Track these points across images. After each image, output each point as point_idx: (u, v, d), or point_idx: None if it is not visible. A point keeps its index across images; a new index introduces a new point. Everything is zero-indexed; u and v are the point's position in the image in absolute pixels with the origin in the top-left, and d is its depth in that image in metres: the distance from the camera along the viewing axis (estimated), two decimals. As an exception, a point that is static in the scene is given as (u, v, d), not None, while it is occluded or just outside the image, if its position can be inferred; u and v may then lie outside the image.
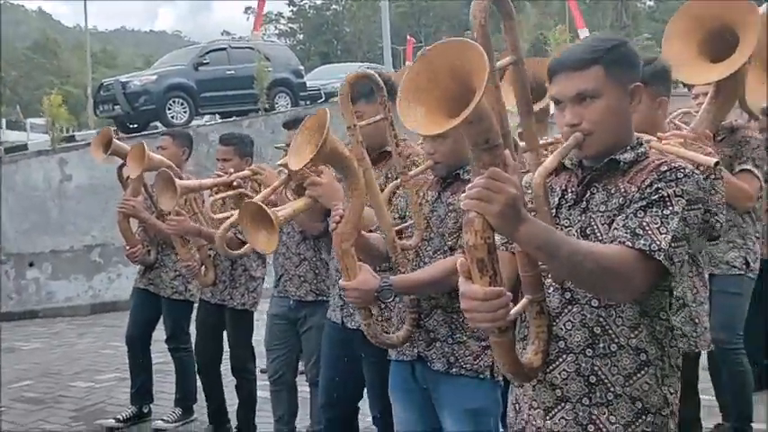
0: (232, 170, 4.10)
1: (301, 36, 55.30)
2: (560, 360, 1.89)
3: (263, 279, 4.74)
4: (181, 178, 4.11)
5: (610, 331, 1.85)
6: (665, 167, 1.83)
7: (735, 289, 3.83)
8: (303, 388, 4.33)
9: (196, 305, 5.00)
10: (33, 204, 11.78)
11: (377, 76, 2.63)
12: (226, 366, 4.88)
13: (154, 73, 15.50)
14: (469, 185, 1.56)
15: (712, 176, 2.77)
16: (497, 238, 1.85)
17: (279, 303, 4.14)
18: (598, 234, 1.86)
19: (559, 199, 1.97)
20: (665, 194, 1.77)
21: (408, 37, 23.95)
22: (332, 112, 2.38)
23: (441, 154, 2.53)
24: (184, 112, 14.74)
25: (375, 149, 3.09)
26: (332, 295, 3.47)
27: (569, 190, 1.96)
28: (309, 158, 2.23)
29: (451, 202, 2.54)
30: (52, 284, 11.69)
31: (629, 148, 1.90)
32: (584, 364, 1.86)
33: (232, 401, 4.87)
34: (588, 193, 1.91)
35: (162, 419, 5.16)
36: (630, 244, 1.73)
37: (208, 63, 15.54)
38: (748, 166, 3.64)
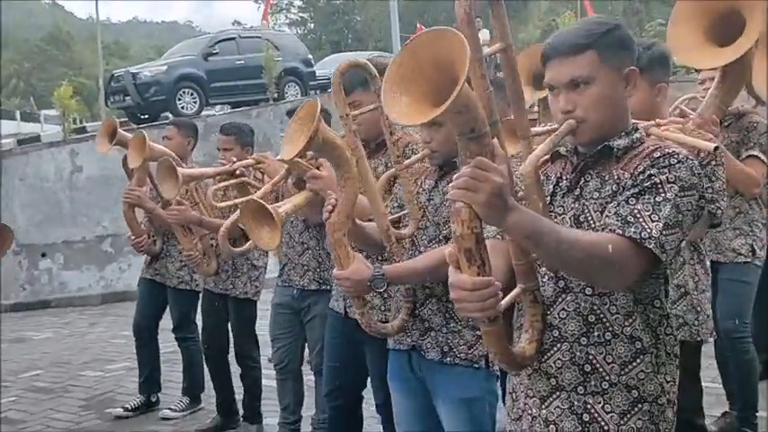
0: (235, 159, 4.09)
1: (312, 25, 55.12)
2: (555, 349, 1.87)
3: (266, 268, 4.75)
4: (182, 167, 4.11)
5: (604, 319, 1.83)
6: (658, 153, 1.80)
7: (742, 277, 3.80)
8: (309, 376, 4.34)
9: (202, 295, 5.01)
10: (45, 195, 11.85)
11: (370, 64, 2.61)
12: (232, 355, 4.89)
13: (164, 63, 15.54)
14: (456, 175, 1.55)
15: (713, 162, 2.74)
16: (492, 227, 1.84)
17: (283, 292, 4.13)
18: (591, 222, 1.84)
19: (554, 186, 1.95)
20: (658, 181, 1.74)
21: (418, 25, 23.82)
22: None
23: (437, 142, 2.50)
24: (194, 102, 14.77)
25: (374, 138, 3.07)
26: (335, 285, 3.46)
27: (564, 177, 1.94)
28: (300, 148, 2.21)
29: (448, 190, 2.52)
30: (64, 275, 11.78)
31: (623, 134, 1.87)
32: (578, 353, 1.84)
33: (240, 391, 4.88)
34: (582, 180, 1.89)
35: (169, 408, 5.19)
36: (621, 232, 1.70)
37: (217, 53, 15.56)
38: (755, 152, 3.60)
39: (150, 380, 5.34)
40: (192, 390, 5.29)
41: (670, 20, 3.40)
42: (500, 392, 2.66)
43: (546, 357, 1.88)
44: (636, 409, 1.83)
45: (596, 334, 1.83)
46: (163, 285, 5.14)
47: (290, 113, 3.93)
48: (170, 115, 14.40)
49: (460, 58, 1.40)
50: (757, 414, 4.00)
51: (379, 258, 2.87)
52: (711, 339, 3.31)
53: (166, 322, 5.36)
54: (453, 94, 1.36)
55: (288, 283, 4.06)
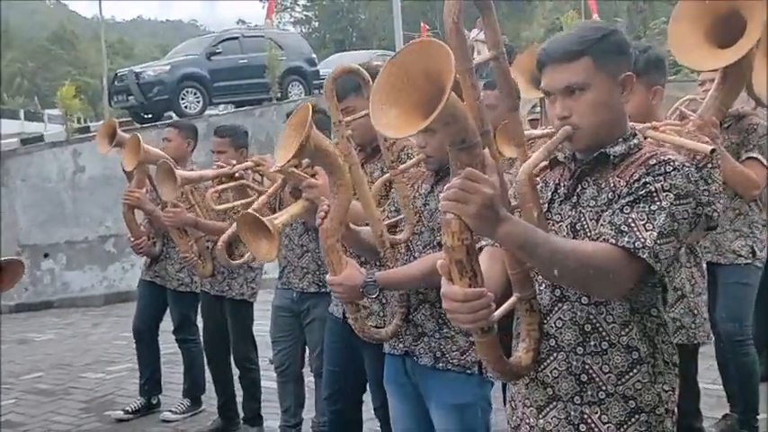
0: (234, 161, 4.09)
1: (317, 24, 55.10)
2: (551, 358, 1.86)
3: (262, 269, 4.74)
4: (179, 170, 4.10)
5: (600, 329, 1.81)
6: (654, 161, 1.78)
7: (742, 279, 3.78)
8: (310, 378, 4.33)
9: (202, 297, 5.00)
10: (48, 196, 11.85)
11: (362, 70, 2.60)
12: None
13: (167, 63, 15.53)
14: (447, 186, 1.54)
15: (709, 165, 2.72)
16: None
17: (282, 295, 4.13)
18: (587, 230, 1.82)
19: (552, 193, 1.93)
20: (653, 189, 1.72)
21: (422, 24, 23.79)
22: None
23: (432, 147, 2.49)
24: (198, 101, 14.76)
25: (370, 143, 3.06)
26: None
27: (562, 184, 1.93)
28: (291, 155, 2.21)
29: None
30: (67, 275, 11.79)
31: (620, 140, 1.85)
32: (575, 363, 1.83)
33: (240, 393, 4.87)
34: (579, 188, 1.87)
35: (170, 411, 5.19)
36: (615, 241, 1.69)
37: (221, 52, 15.54)
38: (755, 154, 3.59)
39: (151, 382, 5.35)
40: (193, 392, 5.29)
41: (671, 20, 3.39)
42: (502, 398, 2.65)
43: (542, 367, 1.87)
44: (633, 419, 1.81)
45: (592, 343, 1.82)
46: (163, 287, 5.14)
47: (290, 116, 3.90)
48: (173, 115, 14.41)
49: (447, 70, 1.39)
50: (758, 416, 3.99)
51: (377, 264, 2.87)
52: (709, 341, 3.29)
53: (167, 324, 5.36)
54: (439, 106, 1.35)
55: (287, 286, 4.05)
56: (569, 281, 1.74)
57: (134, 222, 4.81)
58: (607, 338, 1.81)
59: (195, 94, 14.79)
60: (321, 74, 16.82)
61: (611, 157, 1.83)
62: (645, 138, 2.10)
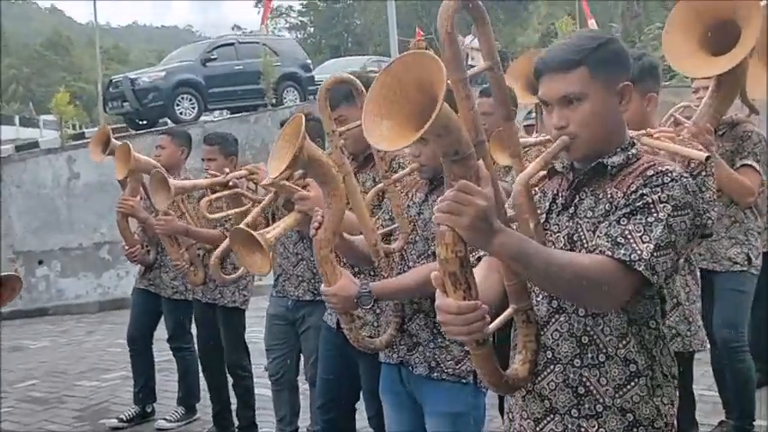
0: (227, 170, 4.08)
1: (312, 29, 55.17)
2: (548, 370, 1.84)
3: (254, 277, 4.73)
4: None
5: (597, 341, 1.80)
6: (651, 171, 1.76)
7: (738, 286, 3.79)
8: (305, 387, 4.32)
9: (196, 305, 4.98)
10: (42, 202, 11.82)
11: (356, 80, 2.59)
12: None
13: (162, 69, 15.52)
14: (440, 198, 1.53)
15: (703, 173, 2.72)
16: None
17: (277, 303, 4.11)
18: (584, 241, 1.80)
19: (550, 203, 1.92)
20: (650, 201, 1.70)
21: (417, 29, 23.82)
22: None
23: (426, 156, 2.48)
24: (193, 108, 14.75)
25: (362, 152, 3.05)
26: None
27: (560, 194, 1.91)
28: (285, 165, 2.20)
29: None
30: (62, 282, 11.75)
31: (619, 150, 1.84)
32: (572, 375, 1.81)
33: (236, 401, 4.85)
34: (577, 198, 1.86)
35: (164, 419, 5.17)
36: (610, 253, 1.67)
37: (216, 58, 15.53)
38: (749, 161, 3.59)
39: (145, 390, 5.32)
40: (188, 400, 5.27)
41: (665, 28, 3.39)
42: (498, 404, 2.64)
43: (539, 379, 1.85)
44: None
45: (590, 356, 1.80)
46: (157, 295, 5.12)
47: (283, 124, 3.90)
48: (168, 121, 14.39)
49: (439, 81, 1.38)
50: (754, 423, 3.99)
51: (371, 273, 2.86)
52: (704, 349, 3.28)
53: (161, 332, 5.34)
54: (431, 119, 1.34)
55: (282, 294, 4.04)
56: (564, 293, 1.73)
57: (128, 230, 4.80)
58: (604, 350, 1.79)
59: (190, 100, 14.78)
60: (316, 80, 16.84)
61: (609, 167, 1.81)
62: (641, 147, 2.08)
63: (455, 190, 1.51)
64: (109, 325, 9.67)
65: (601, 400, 1.79)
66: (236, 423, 4.82)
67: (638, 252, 1.66)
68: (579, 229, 1.82)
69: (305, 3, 54.59)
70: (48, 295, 11.68)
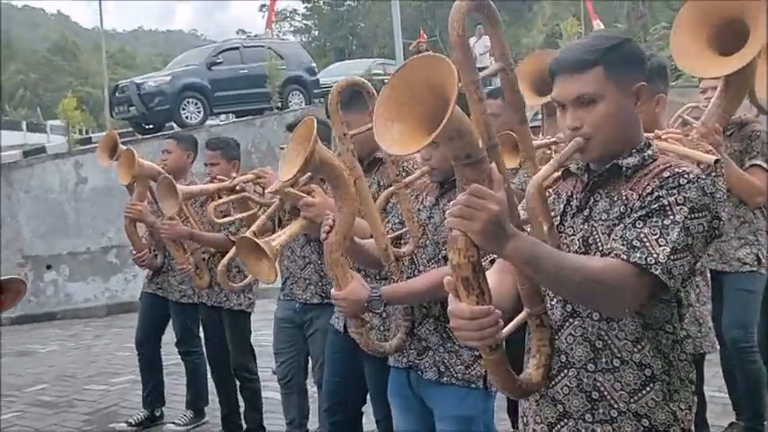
0: (234, 174, 4.09)
1: (316, 32, 55.20)
2: (562, 375, 1.82)
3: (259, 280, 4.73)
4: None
5: (611, 345, 1.77)
6: (668, 173, 1.73)
7: (747, 286, 3.76)
8: (314, 389, 4.31)
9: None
10: (50, 207, 11.87)
11: (368, 83, 2.58)
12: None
13: (168, 73, 15.57)
14: (452, 202, 1.51)
15: (713, 174, 2.71)
16: None
17: (285, 306, 4.11)
18: (599, 244, 1.77)
19: (564, 205, 1.89)
20: (666, 203, 1.67)
21: (421, 31, 23.83)
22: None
23: (436, 160, 2.47)
24: (198, 112, 14.79)
25: (367, 156, 3.05)
26: None
27: (574, 196, 1.88)
28: (297, 169, 2.19)
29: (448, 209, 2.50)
30: (70, 286, 11.80)
31: (634, 151, 1.81)
32: (585, 380, 1.79)
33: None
34: (592, 200, 1.83)
35: (173, 423, 5.17)
36: (626, 257, 1.64)
37: (221, 62, 15.59)
38: (758, 161, 3.58)
39: (154, 394, 5.33)
40: (196, 403, 5.27)
41: (673, 29, 3.37)
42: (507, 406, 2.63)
43: (553, 383, 1.83)
44: None
45: (604, 360, 1.78)
46: (165, 299, 5.13)
47: (289, 127, 3.90)
48: (174, 125, 14.43)
49: (450, 84, 1.37)
50: (765, 424, 3.96)
51: (377, 276, 2.85)
52: (714, 350, 3.27)
53: (169, 336, 5.35)
54: (442, 122, 1.33)
55: (290, 297, 4.03)
56: (578, 297, 1.71)
57: (136, 235, 4.80)
58: (618, 355, 1.77)
59: (196, 104, 14.82)
60: (321, 83, 16.88)
61: (624, 168, 1.79)
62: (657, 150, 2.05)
63: (467, 194, 1.49)
64: (117, 329, 9.70)
65: (615, 406, 1.77)
66: (245, 426, 4.82)
67: (655, 255, 1.63)
68: (594, 232, 1.80)
69: (309, 6, 54.63)
70: (56, 300, 11.73)
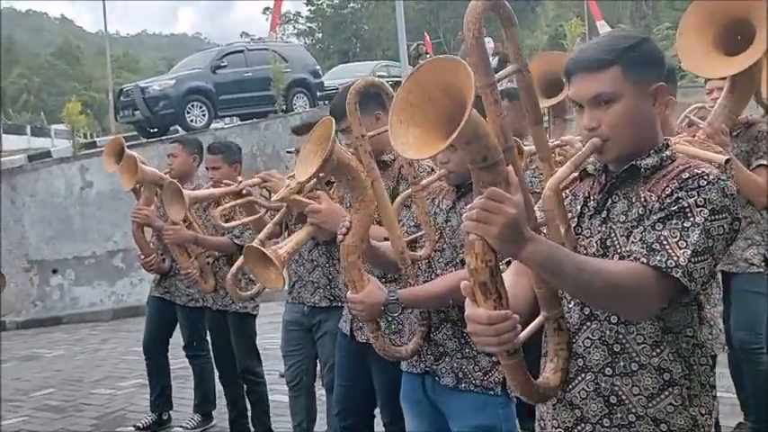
0: (240, 178, 4.10)
1: (320, 35, 55.30)
2: (579, 379, 1.80)
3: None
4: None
5: (629, 349, 1.75)
6: (687, 174, 1.70)
7: (755, 287, 3.75)
8: (322, 392, 4.32)
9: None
10: (55, 211, 11.89)
11: (385, 84, 2.56)
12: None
13: (172, 77, 15.57)
14: (469, 206, 1.49)
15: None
16: None
17: (293, 309, 4.11)
18: (618, 246, 1.75)
19: (582, 207, 1.86)
20: (686, 205, 1.64)
21: (425, 34, 23.83)
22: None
23: (454, 163, 2.43)
24: (203, 115, 14.79)
25: (376, 158, 3.04)
26: (345, 306, 3.44)
27: (592, 197, 1.85)
28: (314, 170, 2.18)
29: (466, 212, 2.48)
30: (76, 291, 11.82)
31: (652, 152, 1.78)
32: (603, 384, 1.77)
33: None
34: (609, 202, 1.80)
35: (181, 426, 5.18)
36: (645, 260, 1.61)
37: (225, 66, 15.58)
38: (765, 162, 3.56)
39: (162, 397, 5.33)
40: (204, 407, 5.27)
41: (679, 29, 3.37)
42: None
43: (570, 387, 1.81)
44: None
45: (621, 364, 1.75)
46: (172, 303, 5.13)
47: (296, 130, 3.91)
48: (179, 129, 14.44)
49: (467, 86, 1.35)
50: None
51: (390, 278, 2.84)
52: (724, 352, 3.26)
53: (177, 339, 5.35)
54: (459, 126, 1.31)
55: (298, 300, 4.03)
56: (596, 301, 1.68)
57: (144, 240, 4.81)
58: (636, 359, 1.74)
59: (201, 107, 14.83)
60: (325, 85, 16.89)
61: (642, 169, 1.76)
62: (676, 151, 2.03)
63: (484, 197, 1.47)
64: (123, 333, 9.72)
65: (633, 410, 1.75)
66: (253, 429, 4.83)
67: (675, 258, 1.60)
68: (612, 234, 1.77)
69: (312, 9, 54.71)
70: (62, 304, 11.75)
